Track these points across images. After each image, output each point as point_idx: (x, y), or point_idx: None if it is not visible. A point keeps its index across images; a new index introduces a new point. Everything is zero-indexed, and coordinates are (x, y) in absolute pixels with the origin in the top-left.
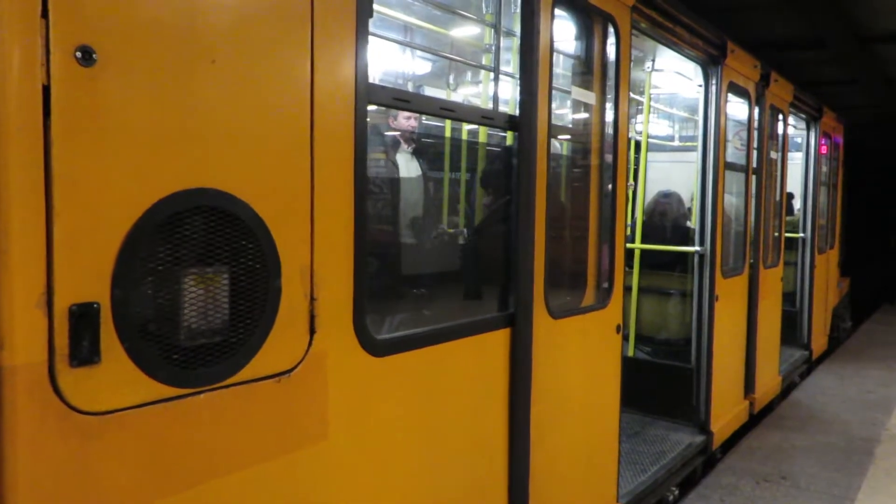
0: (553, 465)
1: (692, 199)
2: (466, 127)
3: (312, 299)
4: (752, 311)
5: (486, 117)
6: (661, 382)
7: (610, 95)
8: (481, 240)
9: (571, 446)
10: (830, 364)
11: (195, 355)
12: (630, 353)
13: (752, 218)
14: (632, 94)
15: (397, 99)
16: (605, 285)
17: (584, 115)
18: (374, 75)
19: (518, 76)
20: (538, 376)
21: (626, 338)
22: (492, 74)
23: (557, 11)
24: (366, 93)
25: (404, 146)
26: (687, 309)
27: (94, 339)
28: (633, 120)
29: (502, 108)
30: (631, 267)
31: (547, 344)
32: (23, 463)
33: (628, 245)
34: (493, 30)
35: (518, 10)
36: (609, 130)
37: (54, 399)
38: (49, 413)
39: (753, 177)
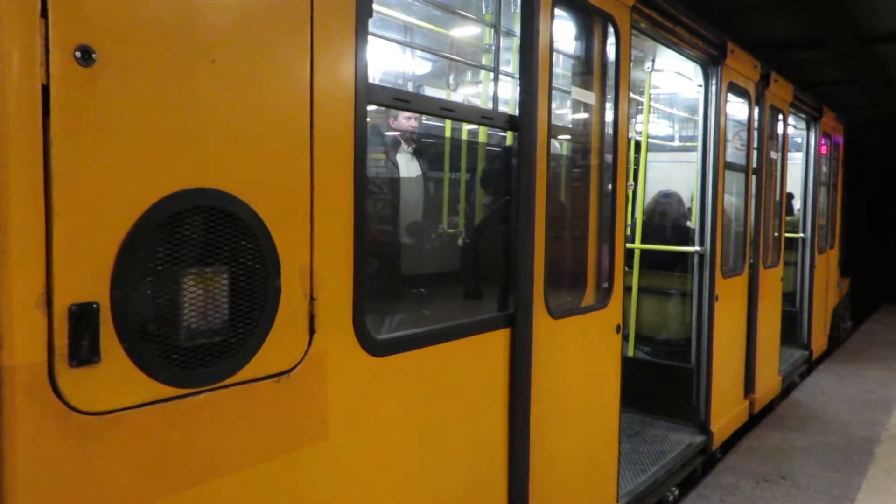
0: (553, 465)
1: (692, 199)
2: (466, 127)
3: (312, 299)
4: (751, 312)
5: (486, 117)
6: (660, 382)
7: (610, 95)
8: (481, 240)
9: (571, 446)
10: (830, 364)
11: (195, 355)
12: (630, 353)
13: (751, 218)
14: (632, 95)
15: (397, 99)
16: (605, 285)
17: (583, 115)
18: (374, 75)
19: (518, 76)
20: (538, 376)
21: (626, 338)
22: (492, 74)
23: (557, 11)
24: (365, 93)
25: (404, 146)
26: (687, 309)
27: (93, 339)
28: (633, 120)
29: (502, 108)
30: (631, 267)
31: (547, 344)
32: (22, 463)
33: (628, 245)
34: (492, 30)
35: (518, 10)
36: (609, 130)
37: (54, 399)
38: (48, 413)
39: (753, 177)
